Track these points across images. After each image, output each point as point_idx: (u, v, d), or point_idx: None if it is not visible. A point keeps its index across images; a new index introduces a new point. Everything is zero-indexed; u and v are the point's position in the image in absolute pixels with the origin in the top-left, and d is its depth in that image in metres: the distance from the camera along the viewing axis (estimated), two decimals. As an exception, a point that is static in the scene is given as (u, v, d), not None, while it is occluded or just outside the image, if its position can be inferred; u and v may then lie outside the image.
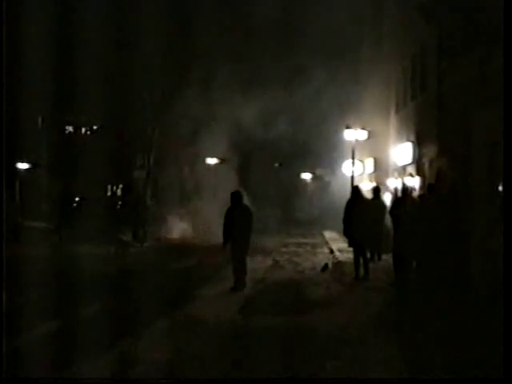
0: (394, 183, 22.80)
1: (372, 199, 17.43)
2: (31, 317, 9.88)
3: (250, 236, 13.72)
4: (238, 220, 13.48)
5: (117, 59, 32.60)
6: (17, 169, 35.73)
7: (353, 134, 27.39)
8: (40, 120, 39.78)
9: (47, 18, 30.28)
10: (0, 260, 11.60)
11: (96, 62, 30.77)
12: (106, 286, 13.65)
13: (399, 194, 18.10)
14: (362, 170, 30.26)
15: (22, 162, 36.06)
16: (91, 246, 22.55)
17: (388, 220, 15.69)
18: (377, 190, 18.15)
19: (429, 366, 7.54)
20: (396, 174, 22.94)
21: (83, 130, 42.99)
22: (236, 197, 13.77)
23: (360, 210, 15.21)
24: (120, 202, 38.80)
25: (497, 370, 6.84)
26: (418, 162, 20.11)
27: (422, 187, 18.83)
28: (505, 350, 6.97)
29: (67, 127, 42.58)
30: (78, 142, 40.51)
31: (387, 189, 22.73)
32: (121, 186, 41.33)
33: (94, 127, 42.28)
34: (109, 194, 42.00)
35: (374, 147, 27.75)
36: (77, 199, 39.12)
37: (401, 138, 22.65)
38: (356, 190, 16.60)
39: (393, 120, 25.09)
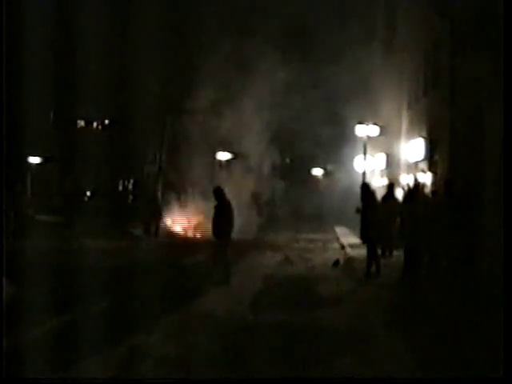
0: (405, 179, 22.70)
1: (386, 196, 17.37)
2: (44, 311, 9.85)
3: (230, 230, 13.93)
4: (220, 215, 13.74)
5: (129, 53, 32.64)
6: (28, 163, 35.82)
7: (365, 130, 27.27)
8: (52, 114, 39.91)
9: (61, 12, 30.37)
10: (0, 260, 11.65)
11: (109, 56, 30.82)
12: (115, 280, 13.67)
13: (411, 190, 18.01)
14: (373, 166, 30.14)
15: (34, 156, 36.13)
16: (102, 240, 22.61)
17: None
18: (391, 187, 18.10)
19: (429, 365, 7.46)
20: (408, 170, 22.84)
21: (95, 124, 43.09)
22: (218, 193, 13.96)
23: (370, 207, 15.14)
24: (131, 197, 39.00)
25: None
26: (430, 158, 20.02)
27: (433, 183, 18.75)
28: (505, 350, 6.91)
29: (79, 122, 42.68)
30: (90, 136, 40.57)
31: (399, 185, 22.65)
32: (132, 180, 41.45)
33: (106, 122, 42.38)
34: (120, 188, 42.09)
35: (386, 143, 27.64)
36: (88, 193, 39.31)
37: (413, 133, 22.56)
38: (365, 187, 16.23)
39: (405, 116, 24.98)
